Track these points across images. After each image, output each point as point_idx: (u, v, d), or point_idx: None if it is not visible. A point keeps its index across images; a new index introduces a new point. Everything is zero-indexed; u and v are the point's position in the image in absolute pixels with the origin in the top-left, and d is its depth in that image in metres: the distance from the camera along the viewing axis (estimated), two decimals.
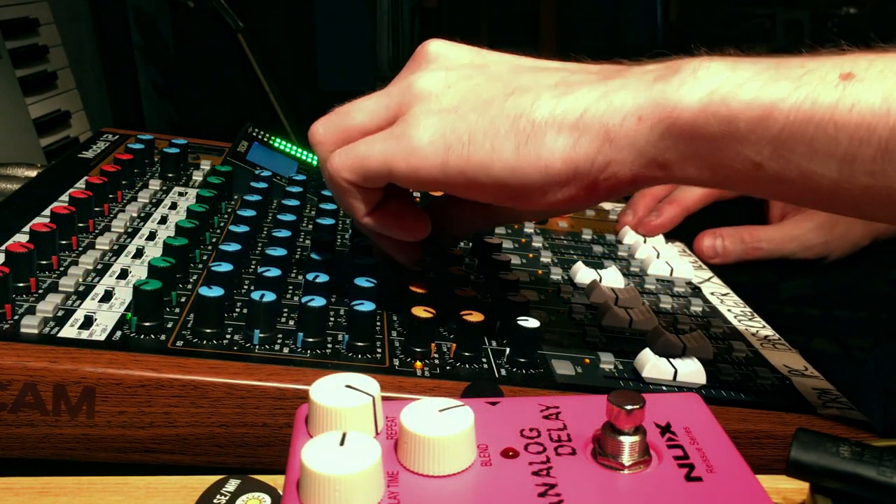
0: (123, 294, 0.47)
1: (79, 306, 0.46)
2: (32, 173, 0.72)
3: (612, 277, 0.61)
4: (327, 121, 0.47)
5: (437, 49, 0.46)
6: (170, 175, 0.68)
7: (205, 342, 0.44)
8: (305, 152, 0.79)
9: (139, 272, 0.50)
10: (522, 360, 0.46)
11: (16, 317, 0.43)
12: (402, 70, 0.47)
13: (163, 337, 0.44)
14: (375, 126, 0.45)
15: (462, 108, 0.42)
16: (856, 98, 0.34)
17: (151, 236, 0.56)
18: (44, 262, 0.49)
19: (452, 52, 0.46)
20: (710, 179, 0.40)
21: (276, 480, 0.36)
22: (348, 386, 0.29)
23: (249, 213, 0.58)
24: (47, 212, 0.55)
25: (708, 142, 0.38)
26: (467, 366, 0.46)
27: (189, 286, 0.50)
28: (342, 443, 0.26)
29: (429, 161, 0.42)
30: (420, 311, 0.45)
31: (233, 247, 0.52)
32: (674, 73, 0.39)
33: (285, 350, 0.45)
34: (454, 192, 0.44)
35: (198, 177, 0.70)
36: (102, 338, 0.43)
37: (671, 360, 0.47)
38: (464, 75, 0.44)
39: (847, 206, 0.37)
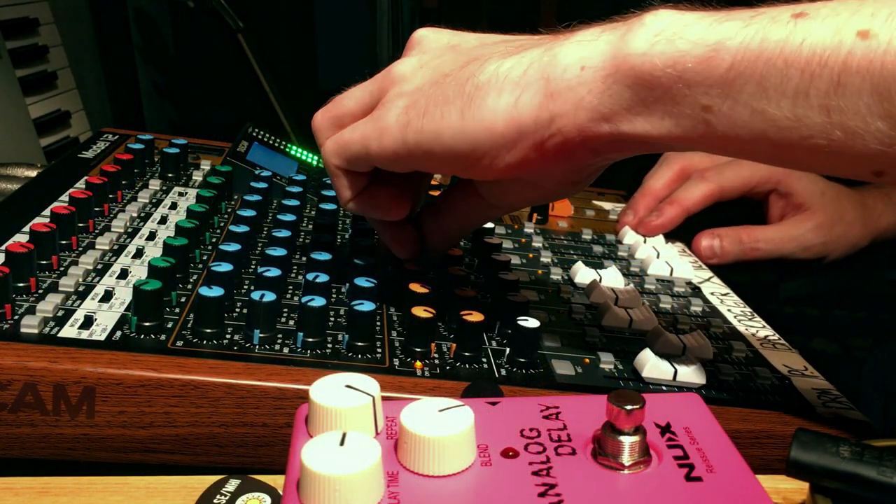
0: (123, 294, 0.47)
1: (79, 306, 0.46)
2: (32, 173, 0.72)
3: (612, 277, 0.61)
4: (324, 109, 0.49)
5: (421, 35, 0.48)
6: (170, 175, 0.68)
7: (205, 342, 0.44)
8: (305, 152, 0.79)
9: (139, 272, 0.50)
10: (522, 360, 0.46)
11: (16, 317, 0.43)
12: None
13: (163, 337, 0.44)
14: (362, 112, 0.47)
15: (425, 85, 0.43)
16: (807, 33, 0.33)
17: (151, 236, 0.56)
18: (44, 262, 0.49)
19: (433, 35, 0.47)
20: (659, 132, 0.38)
21: (276, 480, 0.36)
22: (348, 386, 0.29)
23: (249, 213, 0.58)
24: (47, 212, 0.55)
25: (654, 87, 0.37)
26: (467, 366, 0.46)
27: (189, 286, 0.50)
28: (342, 443, 0.26)
29: (394, 138, 0.43)
30: (420, 311, 0.45)
31: (233, 247, 0.52)
32: (622, 24, 0.38)
33: (285, 350, 0.45)
34: (419, 167, 0.45)
35: (198, 177, 0.70)
36: (102, 338, 0.43)
37: (671, 360, 0.47)
38: (436, 55, 0.45)
39: (801, 153, 0.35)
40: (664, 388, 0.47)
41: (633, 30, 0.37)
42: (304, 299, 0.45)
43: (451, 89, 0.41)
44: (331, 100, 0.50)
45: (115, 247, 0.54)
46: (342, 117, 0.48)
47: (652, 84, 0.37)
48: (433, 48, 0.46)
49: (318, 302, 0.45)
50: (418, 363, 0.45)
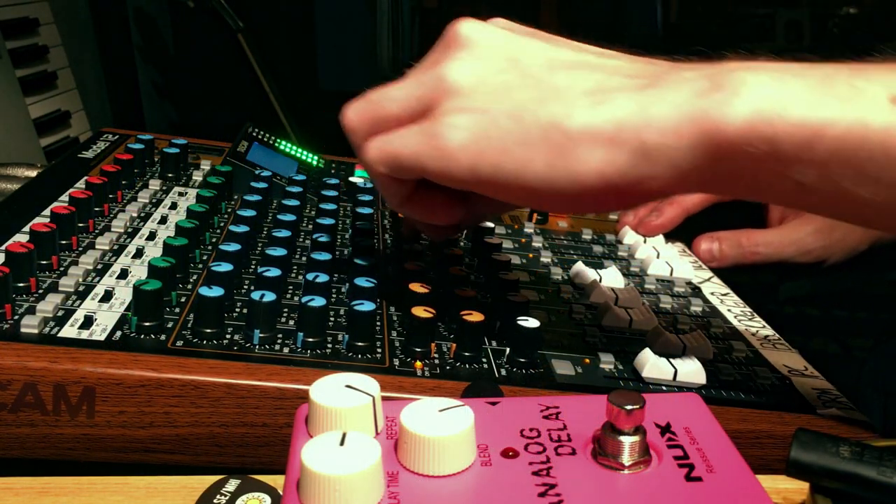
0: (123, 294, 0.47)
1: (79, 306, 0.46)
2: (32, 173, 0.72)
3: (612, 277, 0.61)
4: (360, 108, 0.46)
5: (469, 33, 0.43)
6: (170, 175, 0.68)
7: (205, 342, 0.44)
8: (305, 152, 0.79)
9: (139, 272, 0.50)
10: (522, 360, 0.46)
11: (16, 317, 0.43)
12: (433, 50, 0.45)
13: (163, 337, 0.44)
14: (408, 117, 0.44)
15: (494, 111, 0.41)
16: None
17: (151, 236, 0.56)
18: (44, 262, 0.49)
19: (485, 36, 0.43)
20: (747, 195, 0.39)
21: (276, 480, 0.36)
22: (348, 386, 0.29)
23: (249, 213, 0.58)
24: (47, 212, 0.55)
25: (749, 161, 0.36)
26: (467, 366, 0.46)
27: (189, 286, 0.50)
28: (342, 443, 0.26)
29: (461, 165, 0.41)
30: (420, 311, 0.45)
31: (233, 247, 0.52)
32: (716, 89, 0.37)
33: (285, 350, 0.45)
34: (482, 192, 0.43)
35: (198, 177, 0.70)
36: (102, 338, 0.43)
37: (671, 360, 0.47)
38: (497, 69, 0.42)
39: (884, 225, 0.37)
40: (664, 388, 0.47)
41: (730, 101, 0.36)
42: (304, 299, 0.45)
43: (535, 131, 0.39)
44: (364, 96, 0.46)
45: (115, 247, 0.54)
46: (384, 120, 0.44)
47: (748, 157, 0.36)
48: (489, 56, 0.43)
49: (318, 302, 0.45)
50: (418, 363, 0.45)
